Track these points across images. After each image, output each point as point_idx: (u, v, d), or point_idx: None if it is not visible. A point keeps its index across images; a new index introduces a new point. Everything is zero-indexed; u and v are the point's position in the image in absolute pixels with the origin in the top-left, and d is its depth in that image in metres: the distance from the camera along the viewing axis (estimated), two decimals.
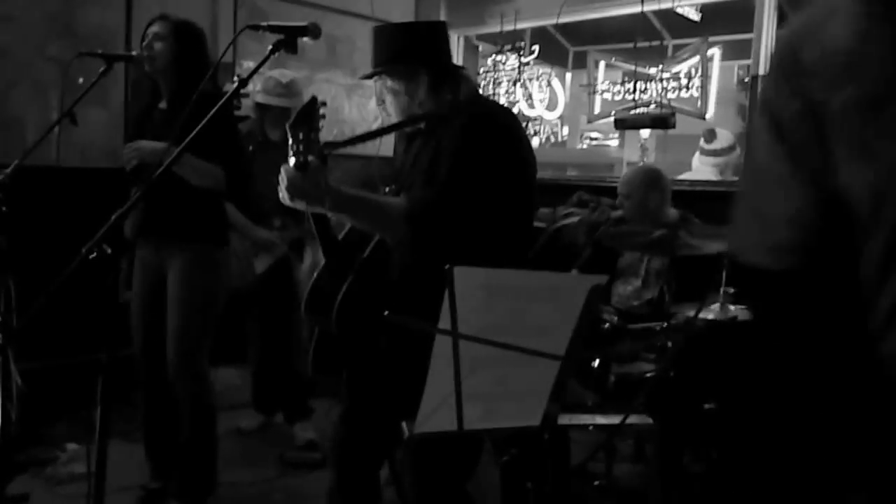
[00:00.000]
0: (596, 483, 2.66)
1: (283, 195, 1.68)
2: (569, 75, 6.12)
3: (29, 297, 1.71)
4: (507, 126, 1.82)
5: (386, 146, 2.19)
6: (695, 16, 5.30)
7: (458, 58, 5.19)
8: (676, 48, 4.97)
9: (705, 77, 4.53)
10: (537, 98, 5.37)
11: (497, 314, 1.26)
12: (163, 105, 2.65)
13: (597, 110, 5.19)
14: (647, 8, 4.50)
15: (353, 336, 1.86)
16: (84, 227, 1.65)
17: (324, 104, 1.72)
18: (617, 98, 4.99)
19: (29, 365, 2.51)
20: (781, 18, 3.98)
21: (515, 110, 5.04)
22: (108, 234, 1.43)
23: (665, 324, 2.73)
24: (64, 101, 2.95)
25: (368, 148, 2.20)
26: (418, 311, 1.29)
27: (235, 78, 3.32)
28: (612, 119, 4.78)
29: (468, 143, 1.73)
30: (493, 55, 5.34)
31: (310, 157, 1.65)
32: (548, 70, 5.47)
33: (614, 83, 5.05)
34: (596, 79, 5.18)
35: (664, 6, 4.48)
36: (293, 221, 3.34)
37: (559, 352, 1.32)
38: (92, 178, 3.53)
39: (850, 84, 0.80)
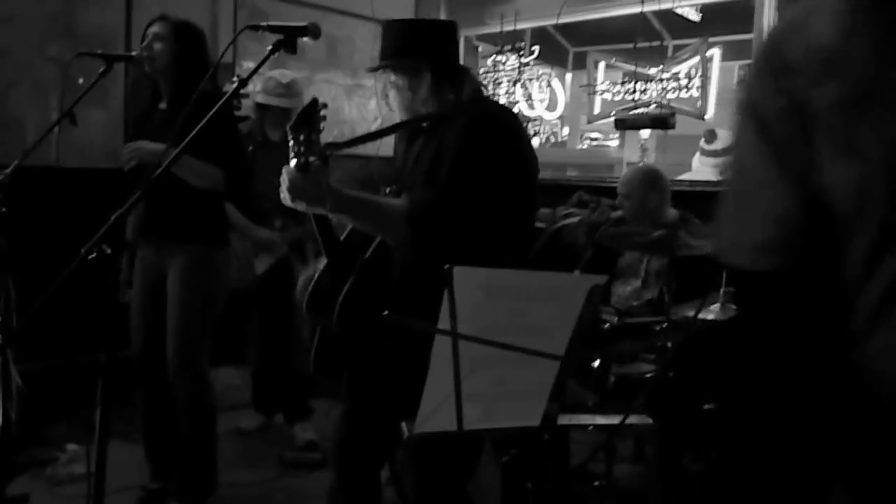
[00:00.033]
0: (596, 483, 2.66)
1: (285, 196, 1.68)
2: (569, 76, 6.12)
3: (29, 298, 1.71)
4: (509, 126, 1.82)
5: (386, 146, 2.19)
6: (695, 16, 5.30)
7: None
8: (676, 48, 4.97)
9: (705, 77, 4.53)
10: (537, 98, 5.37)
11: (497, 314, 1.26)
12: (163, 105, 2.65)
13: (597, 111, 5.19)
14: (647, 8, 4.50)
15: (354, 337, 1.86)
16: (84, 228, 1.65)
17: (325, 106, 1.72)
18: (617, 98, 4.99)
19: (29, 365, 2.51)
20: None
21: (515, 111, 5.03)
22: (107, 234, 1.43)
23: (665, 324, 2.73)
24: (64, 101, 2.96)
25: (368, 148, 2.20)
26: (420, 312, 1.28)
27: (235, 78, 3.31)
28: (612, 119, 4.79)
29: (470, 143, 1.72)
30: (493, 55, 5.34)
31: (311, 159, 1.65)
32: (548, 70, 5.47)
33: (614, 83, 5.05)
34: (596, 79, 5.19)
35: (664, 6, 4.48)
36: (294, 222, 3.34)
37: (559, 352, 1.32)
38: (92, 179, 3.53)
39: (833, 81, 0.80)
